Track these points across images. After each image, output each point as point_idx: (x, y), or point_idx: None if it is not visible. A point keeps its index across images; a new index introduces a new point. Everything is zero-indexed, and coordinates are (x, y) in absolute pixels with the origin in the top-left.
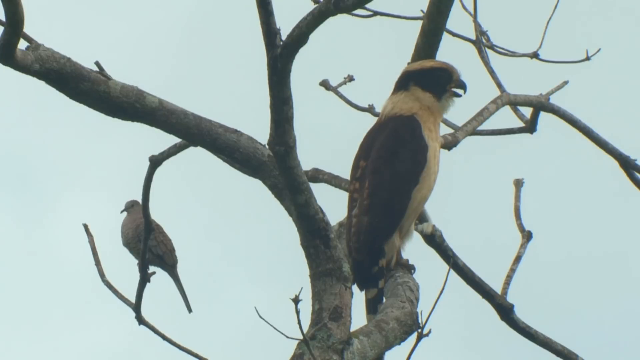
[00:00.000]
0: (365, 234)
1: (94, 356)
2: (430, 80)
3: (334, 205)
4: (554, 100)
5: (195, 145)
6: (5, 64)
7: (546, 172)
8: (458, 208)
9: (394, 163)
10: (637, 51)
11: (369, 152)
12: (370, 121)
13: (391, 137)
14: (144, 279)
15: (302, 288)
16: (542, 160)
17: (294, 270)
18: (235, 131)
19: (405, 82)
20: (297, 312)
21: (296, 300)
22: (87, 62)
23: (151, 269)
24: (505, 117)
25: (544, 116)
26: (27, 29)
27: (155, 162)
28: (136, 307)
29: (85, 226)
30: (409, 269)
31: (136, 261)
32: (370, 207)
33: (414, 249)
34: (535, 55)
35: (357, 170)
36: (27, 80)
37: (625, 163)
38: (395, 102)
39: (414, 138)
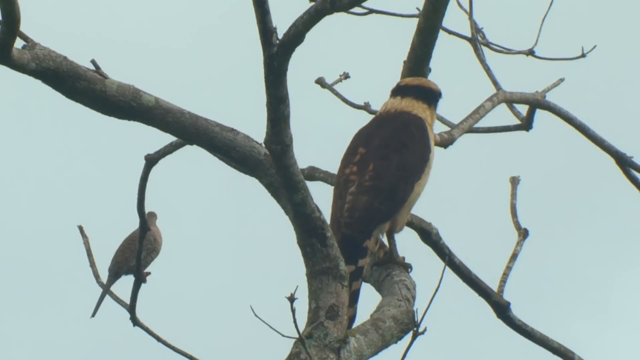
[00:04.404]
0: (363, 212)
1: (88, 357)
2: (422, 93)
3: (330, 203)
4: (550, 97)
5: (192, 143)
6: (2, 63)
7: (542, 169)
8: (454, 206)
9: (403, 154)
10: (633, 48)
11: (368, 141)
12: (365, 119)
13: (402, 129)
14: (139, 280)
15: (297, 286)
16: (539, 157)
17: (291, 269)
18: (232, 130)
19: (401, 91)
20: (293, 310)
21: (291, 299)
22: (83, 61)
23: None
24: (502, 115)
25: (540, 113)
26: (24, 27)
27: (151, 160)
28: (131, 309)
29: (80, 228)
30: (406, 267)
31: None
32: (373, 188)
33: (411, 248)
34: (531, 53)
35: (354, 156)
36: (24, 79)
37: (621, 160)
38: (396, 103)
39: (423, 137)
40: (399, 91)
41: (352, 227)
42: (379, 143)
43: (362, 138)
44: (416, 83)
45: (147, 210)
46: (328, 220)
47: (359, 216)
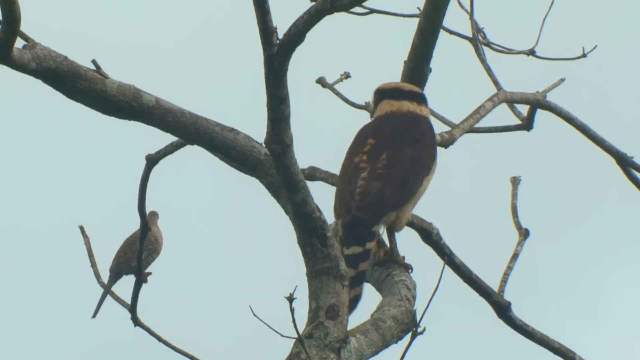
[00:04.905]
0: (375, 197)
1: (89, 357)
2: (414, 95)
3: (330, 203)
4: (551, 97)
5: (192, 143)
6: (2, 62)
7: (543, 169)
8: (455, 206)
9: (415, 147)
10: (633, 48)
11: (378, 133)
12: (366, 119)
13: (413, 125)
14: (140, 280)
15: (296, 286)
16: (539, 157)
17: (291, 269)
18: (232, 130)
19: (392, 94)
20: (292, 310)
21: (290, 299)
22: (84, 61)
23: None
24: (502, 115)
25: (540, 114)
26: (24, 27)
27: (152, 160)
28: (132, 309)
29: (81, 228)
30: (407, 267)
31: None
32: (386, 176)
33: (412, 248)
34: (531, 53)
35: (363, 146)
36: (24, 79)
37: (622, 160)
38: (396, 105)
39: (432, 135)
40: (389, 94)
41: (363, 211)
42: (391, 135)
43: (370, 131)
44: (404, 87)
45: (148, 210)
46: (328, 219)
47: (371, 201)
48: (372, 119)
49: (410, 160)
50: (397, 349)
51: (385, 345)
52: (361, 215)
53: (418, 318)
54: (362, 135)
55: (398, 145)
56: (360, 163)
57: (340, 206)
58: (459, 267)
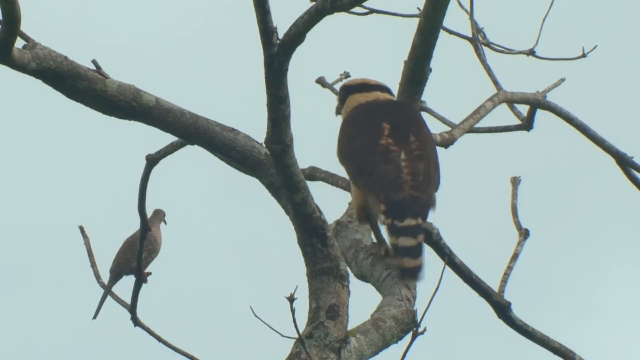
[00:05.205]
0: (424, 176)
1: (89, 358)
2: (383, 88)
3: (331, 203)
4: (551, 97)
5: (192, 143)
6: (2, 62)
7: (543, 169)
8: (455, 206)
9: (427, 131)
10: (633, 48)
11: (389, 118)
12: None
13: (414, 111)
14: (140, 280)
15: (297, 286)
16: (539, 157)
17: (291, 269)
18: (232, 130)
19: (361, 88)
20: (292, 310)
21: (291, 299)
22: (84, 61)
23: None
24: (502, 115)
25: (540, 114)
26: (24, 27)
27: (152, 160)
28: (132, 309)
29: (81, 228)
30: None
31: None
32: (424, 157)
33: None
34: (531, 53)
35: (382, 130)
36: (24, 78)
37: (622, 160)
38: (370, 97)
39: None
40: (357, 89)
41: (419, 189)
42: (406, 118)
43: (377, 116)
44: (370, 81)
45: (148, 210)
46: (328, 219)
47: (423, 180)
48: (345, 112)
49: (432, 142)
50: (397, 349)
51: (386, 345)
52: (418, 194)
53: (418, 318)
54: (371, 120)
55: (419, 128)
56: (389, 145)
57: (384, 184)
58: (459, 267)
